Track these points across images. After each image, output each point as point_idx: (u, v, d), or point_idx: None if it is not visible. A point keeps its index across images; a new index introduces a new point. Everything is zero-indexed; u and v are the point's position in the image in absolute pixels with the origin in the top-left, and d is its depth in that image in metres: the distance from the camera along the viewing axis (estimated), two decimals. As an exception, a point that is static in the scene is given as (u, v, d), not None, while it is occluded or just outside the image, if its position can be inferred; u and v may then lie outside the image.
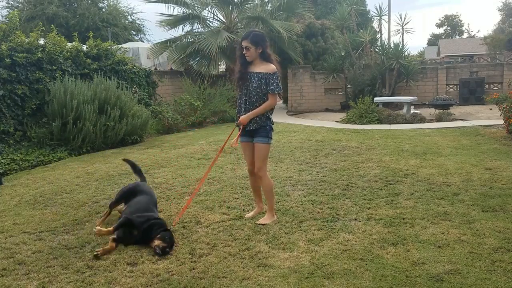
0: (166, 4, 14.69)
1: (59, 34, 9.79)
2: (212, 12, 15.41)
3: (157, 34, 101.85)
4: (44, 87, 8.60)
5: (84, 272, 3.22)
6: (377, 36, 16.43)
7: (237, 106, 4.26)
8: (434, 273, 2.99)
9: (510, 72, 14.72)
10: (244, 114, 4.10)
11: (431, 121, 11.16)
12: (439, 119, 11.25)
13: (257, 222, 4.13)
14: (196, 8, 15.04)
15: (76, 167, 7.09)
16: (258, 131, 4.13)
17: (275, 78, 4.05)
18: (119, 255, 3.49)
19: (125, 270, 3.24)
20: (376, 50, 15.20)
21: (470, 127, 9.60)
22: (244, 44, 4.04)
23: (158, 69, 15.23)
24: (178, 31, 16.81)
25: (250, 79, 4.09)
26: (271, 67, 4.07)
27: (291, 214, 4.31)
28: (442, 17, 63.25)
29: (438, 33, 62.64)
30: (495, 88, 15.00)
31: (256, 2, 15.98)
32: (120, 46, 12.23)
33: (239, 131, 4.19)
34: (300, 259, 3.30)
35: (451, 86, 15.26)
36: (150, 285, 3.01)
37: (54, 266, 3.34)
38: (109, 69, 10.56)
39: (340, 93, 15.85)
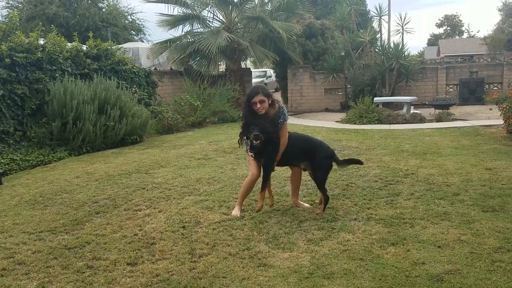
0: (166, 4, 14.67)
1: (59, 34, 9.78)
2: (212, 12, 15.40)
3: (157, 34, 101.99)
4: (44, 87, 8.60)
5: (84, 272, 3.23)
6: (377, 36, 16.42)
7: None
8: (434, 273, 3.00)
9: (510, 72, 14.71)
10: None
11: (431, 121, 11.16)
12: (439, 119, 11.24)
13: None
14: (196, 8, 15.02)
15: (76, 167, 7.09)
16: None
17: (281, 111, 4.33)
18: (119, 255, 3.49)
19: (125, 270, 3.24)
20: (376, 50, 15.19)
21: (470, 127, 9.60)
22: (259, 98, 4.17)
23: (158, 69, 15.23)
24: (178, 31, 16.75)
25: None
26: (276, 106, 4.34)
27: (291, 214, 4.31)
28: (442, 17, 63.35)
29: (438, 33, 62.71)
30: (495, 88, 14.99)
31: (256, 2, 15.96)
32: (120, 46, 12.23)
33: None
34: (300, 259, 3.30)
35: (451, 86, 15.26)
36: (150, 285, 3.01)
37: (54, 266, 3.35)
38: (109, 69, 10.55)
39: (340, 93, 15.85)
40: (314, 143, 4.48)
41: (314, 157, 4.33)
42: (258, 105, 4.17)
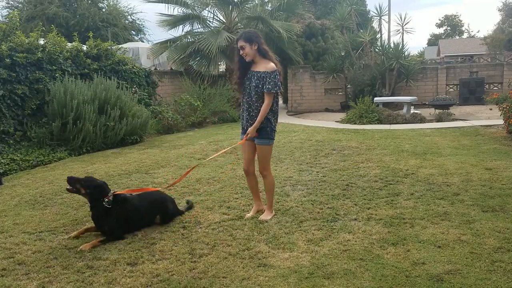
0: (166, 4, 14.70)
1: (59, 34, 9.78)
2: (212, 12, 15.43)
3: (157, 34, 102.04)
4: (44, 87, 8.60)
5: (84, 272, 3.22)
6: (377, 36, 16.43)
7: (241, 106, 4.29)
8: (434, 273, 2.99)
9: (510, 72, 14.72)
10: (246, 113, 4.17)
11: (431, 121, 11.16)
12: (439, 119, 11.24)
13: (258, 219, 4.19)
14: (196, 8, 15.04)
15: (76, 167, 7.09)
16: (258, 132, 4.15)
17: (273, 77, 4.02)
18: (119, 255, 3.49)
19: (125, 270, 3.24)
20: (376, 50, 15.20)
21: (470, 127, 9.60)
22: (239, 44, 4.07)
23: (158, 69, 15.23)
24: (178, 31, 16.82)
25: (251, 79, 4.11)
26: (270, 66, 4.06)
27: (291, 214, 4.31)
28: (442, 17, 63.33)
29: (438, 33, 62.69)
30: (495, 88, 14.99)
31: (256, 2, 15.98)
32: (120, 46, 12.23)
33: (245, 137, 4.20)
34: (300, 259, 3.30)
35: (451, 86, 15.26)
36: (150, 285, 3.01)
37: (54, 266, 3.35)
38: (109, 69, 10.55)
39: (340, 93, 15.85)
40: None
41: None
42: (241, 51, 4.09)
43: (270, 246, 3.56)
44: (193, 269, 3.22)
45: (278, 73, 4.08)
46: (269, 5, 16.19)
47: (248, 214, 4.35)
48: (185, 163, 7.00)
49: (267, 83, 4.01)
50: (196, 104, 12.37)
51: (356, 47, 14.96)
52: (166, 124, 11.42)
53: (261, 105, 4.05)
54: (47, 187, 5.83)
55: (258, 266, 3.22)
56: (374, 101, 12.24)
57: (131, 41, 24.16)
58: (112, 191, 4.00)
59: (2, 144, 7.70)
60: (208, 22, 15.37)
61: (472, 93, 14.88)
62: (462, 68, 15.48)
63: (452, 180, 5.27)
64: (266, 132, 4.13)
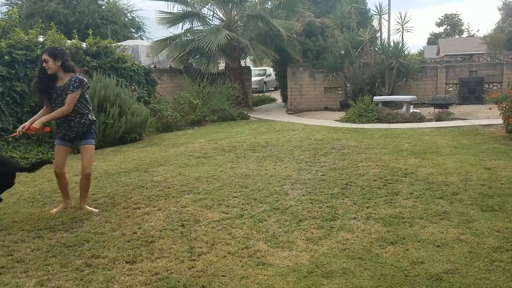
0: (166, 2, 14.69)
1: (59, 32, 9.76)
2: (212, 10, 15.40)
3: (156, 31, 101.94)
4: (43, 85, 8.57)
5: (83, 270, 3.22)
6: (377, 35, 16.40)
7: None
8: (433, 273, 3.00)
9: (509, 72, 14.69)
10: (66, 125, 4.45)
11: (430, 120, 11.16)
12: (438, 118, 11.24)
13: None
14: (195, 6, 15.03)
15: (75, 165, 7.06)
16: (86, 133, 4.51)
17: (73, 81, 4.34)
18: (117, 253, 3.49)
19: (124, 268, 3.24)
20: (376, 49, 15.18)
21: (470, 127, 9.60)
22: (43, 57, 4.31)
23: (158, 67, 15.21)
24: (177, 29, 16.70)
25: (59, 95, 4.37)
26: (70, 74, 4.38)
27: (290, 213, 4.31)
28: (442, 16, 63.36)
29: (438, 32, 62.70)
30: (494, 87, 14.97)
31: (256, 0, 15.95)
32: (119, 43, 12.22)
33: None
34: (299, 258, 3.30)
35: (450, 85, 15.25)
36: (148, 283, 3.01)
37: (52, 264, 3.34)
38: (108, 66, 10.53)
39: (339, 92, 15.84)
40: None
41: None
42: (44, 64, 4.31)
43: (269, 245, 3.56)
44: (192, 267, 3.22)
45: (77, 76, 4.35)
46: (269, 3, 16.16)
47: (54, 210, 4.62)
48: (184, 161, 6.99)
49: (69, 89, 4.32)
50: (195, 102, 12.36)
51: (356, 45, 14.94)
52: (166, 122, 11.40)
53: (79, 115, 4.42)
54: (46, 184, 5.82)
55: (257, 265, 3.22)
56: (374, 100, 12.22)
57: (131, 38, 24.18)
58: None
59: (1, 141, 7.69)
60: (207, 20, 15.36)
61: (472, 92, 14.86)
62: (461, 67, 15.46)
63: (451, 180, 5.27)
64: (92, 133, 4.56)
